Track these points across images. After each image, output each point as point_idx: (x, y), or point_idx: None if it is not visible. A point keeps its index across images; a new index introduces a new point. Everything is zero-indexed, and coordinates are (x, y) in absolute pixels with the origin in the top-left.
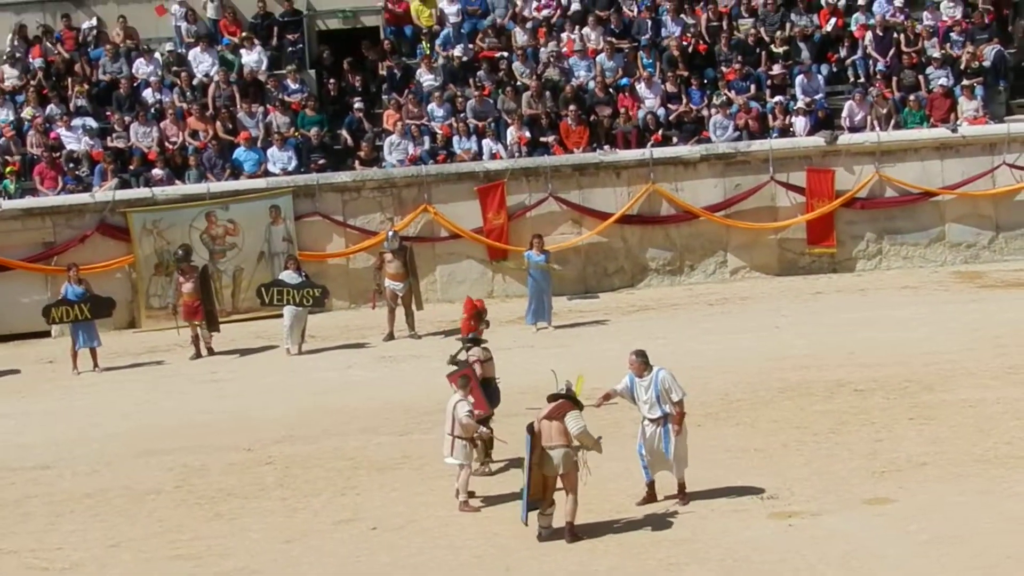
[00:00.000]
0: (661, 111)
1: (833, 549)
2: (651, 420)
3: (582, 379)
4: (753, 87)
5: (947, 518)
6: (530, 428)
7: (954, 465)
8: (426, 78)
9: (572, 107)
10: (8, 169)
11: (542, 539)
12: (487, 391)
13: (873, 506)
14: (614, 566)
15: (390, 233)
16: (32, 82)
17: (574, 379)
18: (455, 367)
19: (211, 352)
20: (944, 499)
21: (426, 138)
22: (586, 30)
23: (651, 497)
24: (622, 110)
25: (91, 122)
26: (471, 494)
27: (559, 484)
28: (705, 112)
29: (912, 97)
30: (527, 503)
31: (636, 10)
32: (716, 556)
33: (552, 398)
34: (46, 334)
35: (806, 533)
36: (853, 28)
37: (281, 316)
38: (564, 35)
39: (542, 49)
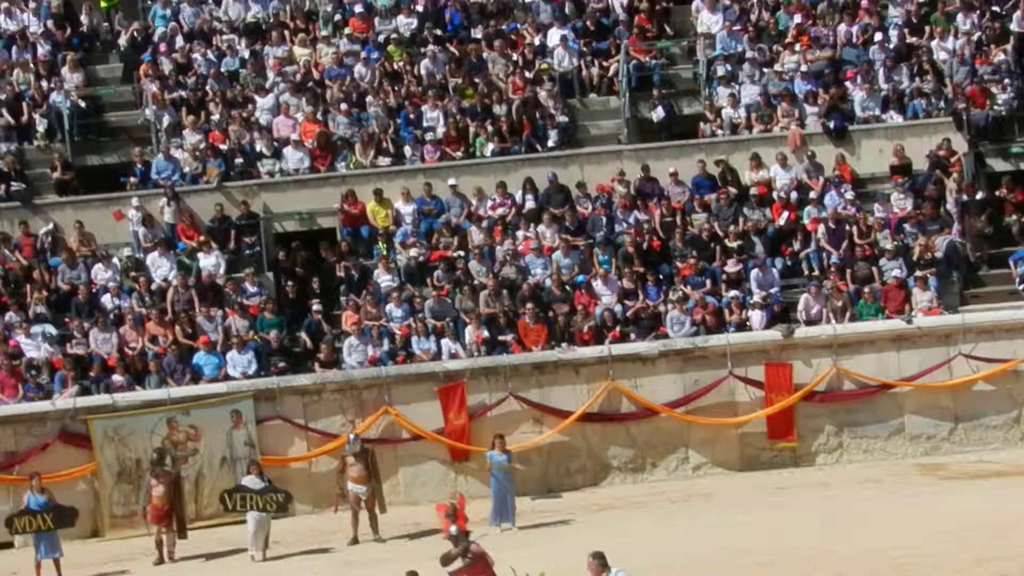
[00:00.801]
0: (618, 307)
1: None
2: None
3: (543, 574)
4: (709, 282)
5: None
6: None
7: None
8: (383, 279)
9: (530, 305)
10: None
11: None
12: None
13: None
14: None
15: (351, 436)
16: None
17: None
18: (462, 561)
19: (172, 559)
20: None
21: (385, 339)
22: (541, 227)
23: None
24: (579, 307)
25: (50, 329)
26: None
27: None
28: (662, 308)
29: (867, 289)
30: None
31: (590, 207)
32: None
33: None
34: (9, 545)
35: None
36: (806, 221)
37: (245, 522)
38: (520, 233)
39: (498, 247)
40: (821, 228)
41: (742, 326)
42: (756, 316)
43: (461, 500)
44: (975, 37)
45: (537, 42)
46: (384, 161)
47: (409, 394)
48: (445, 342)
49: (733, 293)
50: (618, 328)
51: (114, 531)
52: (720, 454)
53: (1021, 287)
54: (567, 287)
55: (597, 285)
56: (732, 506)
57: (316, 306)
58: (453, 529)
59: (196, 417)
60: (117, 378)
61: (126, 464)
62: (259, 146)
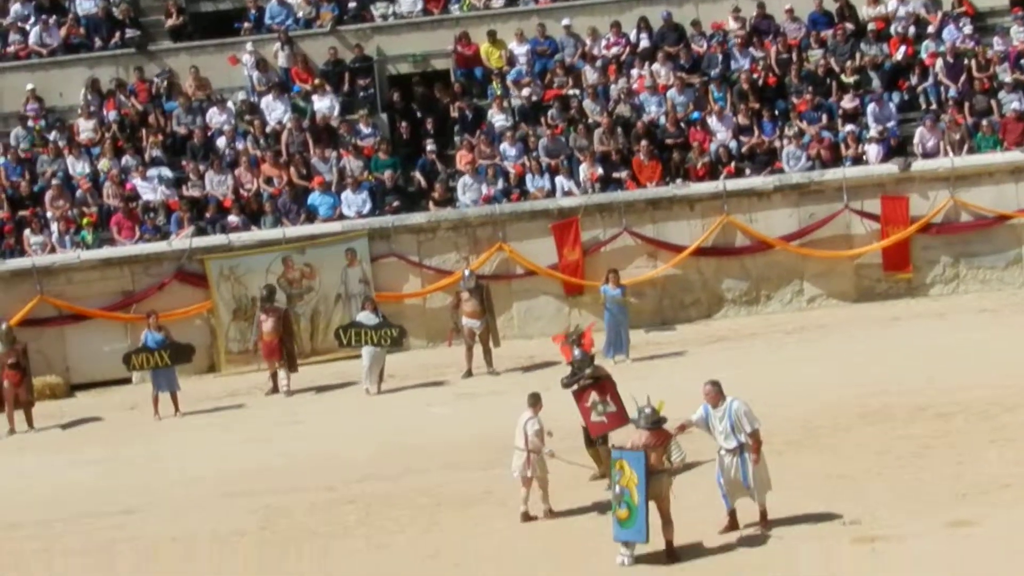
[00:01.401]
0: (733, 143)
1: (917, 572)
2: (727, 450)
3: (663, 403)
4: (825, 117)
5: None
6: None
7: None
8: (497, 118)
9: (644, 142)
10: (85, 220)
11: (625, 565)
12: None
13: (957, 528)
14: None
15: (466, 272)
16: (107, 134)
17: (655, 402)
18: (589, 380)
19: (289, 393)
20: None
21: (499, 178)
22: (656, 66)
23: (733, 525)
24: (694, 144)
25: (166, 172)
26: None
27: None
28: (777, 143)
29: (985, 122)
30: (646, 520)
31: (705, 45)
32: None
33: (639, 425)
34: (127, 381)
35: (890, 557)
36: (923, 55)
37: (359, 357)
38: (634, 71)
39: (612, 86)
40: (939, 62)
41: (858, 160)
42: (872, 150)
43: (589, 327)
44: None
45: None
46: (497, 2)
47: (523, 231)
48: (559, 179)
49: (849, 128)
50: (733, 164)
51: (230, 367)
52: (835, 286)
53: None
54: (681, 124)
55: (712, 121)
56: (847, 336)
57: (430, 146)
58: (577, 352)
59: (311, 256)
60: (233, 219)
61: (242, 302)
62: None
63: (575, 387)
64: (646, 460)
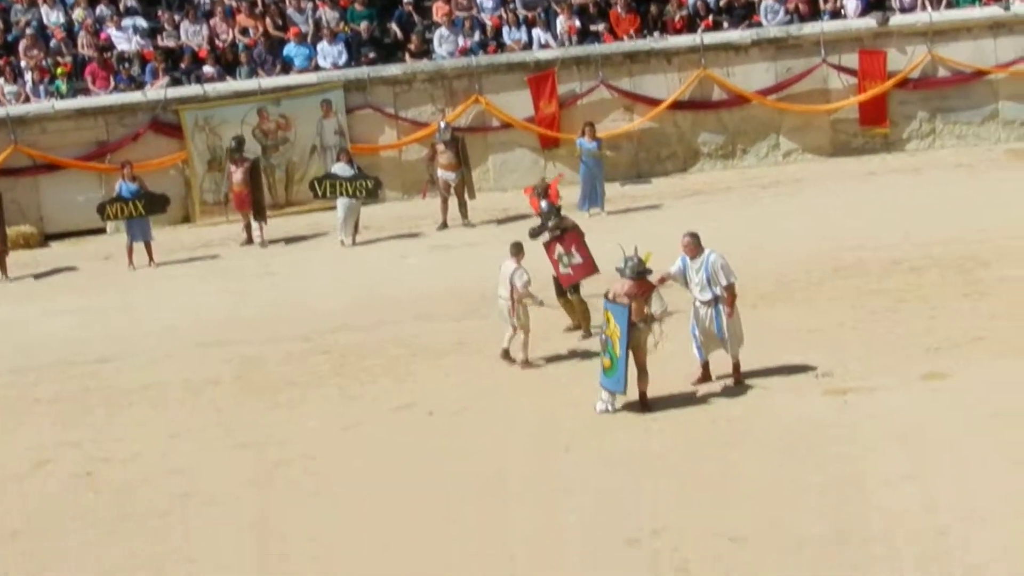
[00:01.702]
0: None
1: (889, 424)
2: (702, 302)
3: (650, 254)
4: None
5: (1002, 392)
6: (607, 297)
7: (1010, 340)
8: None
9: None
10: (60, 70)
11: (608, 411)
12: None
13: (929, 381)
14: (669, 445)
15: (442, 124)
16: None
17: (641, 252)
18: (556, 232)
19: (262, 244)
20: (1000, 373)
21: (476, 30)
22: None
23: (706, 376)
24: None
25: (141, 22)
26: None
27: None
28: None
29: None
30: (625, 373)
31: None
32: (772, 433)
33: (624, 275)
34: (101, 231)
35: (862, 409)
36: None
37: (335, 208)
38: None
39: None
40: None
41: (836, 14)
42: (851, 4)
43: (557, 179)
44: None
45: None
46: None
47: (499, 83)
48: (536, 32)
49: None
50: (711, 17)
51: (204, 217)
52: (811, 140)
53: None
54: None
55: None
56: (822, 191)
57: None
58: (544, 204)
59: (286, 107)
60: (208, 69)
61: (216, 153)
62: None
63: (544, 239)
64: (629, 313)
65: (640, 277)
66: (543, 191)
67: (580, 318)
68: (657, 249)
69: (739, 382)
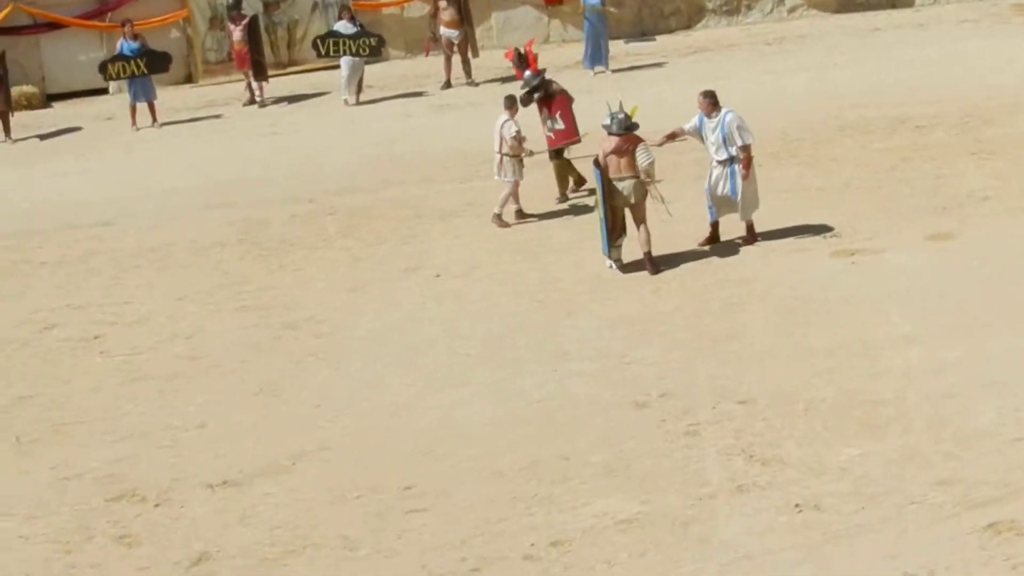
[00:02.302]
0: None
1: (896, 286)
2: (718, 162)
3: (636, 109)
4: None
5: (1010, 252)
6: (596, 163)
7: (1016, 199)
8: None
9: None
10: None
11: (612, 270)
12: None
13: (935, 241)
14: (678, 306)
15: None
16: None
17: (627, 107)
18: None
19: (262, 104)
20: (1006, 233)
21: None
22: None
23: (714, 237)
24: None
25: None
26: (519, 212)
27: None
28: None
29: None
30: (608, 235)
31: None
32: (779, 295)
33: (611, 131)
34: (104, 91)
35: (869, 270)
36: None
37: (338, 67)
38: None
39: None
40: None
41: None
42: None
43: (528, 45)
44: None
45: None
46: None
47: None
48: None
49: None
50: None
51: (207, 77)
52: None
53: None
54: None
55: None
56: (827, 47)
57: None
58: (527, 74)
59: None
60: None
61: (218, 10)
62: None
63: (531, 102)
64: (603, 174)
65: (627, 132)
66: (522, 62)
67: (557, 181)
68: (661, 108)
69: (751, 243)
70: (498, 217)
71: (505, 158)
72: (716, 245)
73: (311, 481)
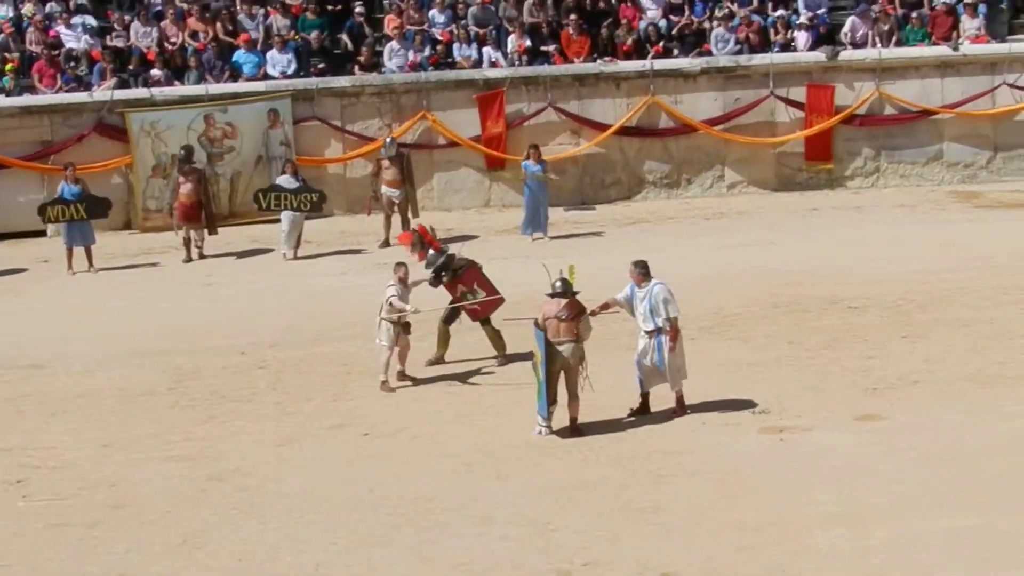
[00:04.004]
0: (663, 22)
1: (824, 464)
2: (645, 332)
3: (574, 268)
4: (756, 0)
5: (938, 436)
6: (536, 324)
7: (946, 384)
8: None
9: (573, 16)
10: (7, 66)
11: (542, 435)
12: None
13: (865, 423)
14: (604, 476)
15: (388, 140)
16: None
17: (565, 270)
18: (452, 274)
19: (202, 256)
20: (936, 417)
21: (426, 45)
22: None
23: (644, 408)
24: (623, 20)
25: (91, 20)
26: (401, 374)
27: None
28: (707, 24)
29: (915, 14)
30: (547, 398)
31: None
32: (706, 468)
33: (552, 295)
34: (42, 233)
35: (797, 448)
36: None
37: (278, 221)
38: None
39: None
40: None
41: (787, 46)
42: (801, 37)
43: (421, 228)
44: None
45: None
46: None
47: (448, 100)
48: (487, 50)
49: (779, 12)
50: (661, 43)
51: (146, 224)
52: (756, 173)
53: None
54: (613, 0)
55: None
56: (765, 225)
57: (359, 8)
58: (431, 254)
59: (233, 114)
60: (156, 72)
61: (161, 159)
62: None
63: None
64: (545, 337)
65: (566, 296)
66: (422, 243)
67: (495, 345)
68: (598, 278)
69: (680, 415)
70: (384, 383)
71: (383, 323)
72: (645, 416)
73: None
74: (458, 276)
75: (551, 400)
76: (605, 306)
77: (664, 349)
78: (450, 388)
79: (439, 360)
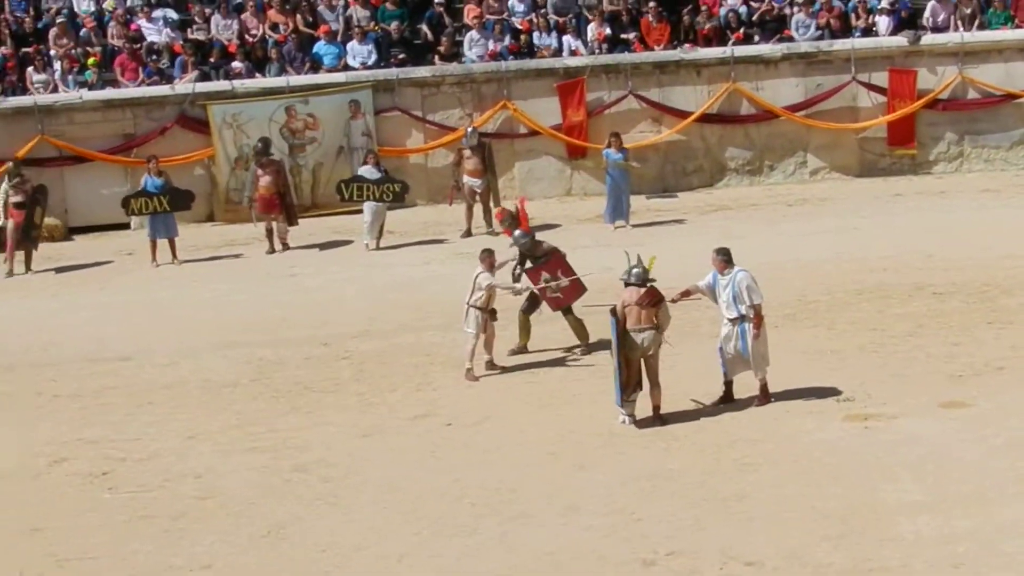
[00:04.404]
0: (743, 9)
1: (908, 452)
2: (728, 320)
3: (653, 259)
4: None
5: (1023, 423)
6: (613, 311)
7: None
8: None
9: (653, 3)
10: (90, 60)
11: (625, 424)
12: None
13: (949, 410)
14: (688, 465)
15: (469, 129)
16: None
17: (645, 259)
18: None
19: (286, 247)
20: (1020, 404)
21: (506, 34)
22: None
23: (728, 396)
24: (704, 7)
25: (172, 14)
26: (489, 363)
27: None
28: (787, 10)
29: None
30: (620, 386)
31: None
32: (790, 457)
33: (629, 282)
34: (126, 226)
35: (882, 436)
36: None
37: (360, 212)
38: None
39: None
40: None
41: (868, 31)
42: (883, 21)
43: (522, 202)
44: None
45: None
46: None
47: (528, 89)
48: (566, 38)
49: None
50: (742, 30)
51: (229, 216)
52: (838, 159)
53: None
54: None
55: None
56: (848, 211)
57: None
58: (517, 233)
59: (315, 106)
60: (237, 64)
61: (243, 150)
62: None
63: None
64: (617, 324)
65: (643, 284)
66: (514, 222)
67: (577, 335)
68: (680, 265)
69: (764, 403)
70: (469, 371)
71: (471, 310)
72: (729, 404)
73: None
74: (545, 262)
75: (628, 391)
76: (686, 293)
77: (748, 336)
78: (533, 377)
79: (522, 350)
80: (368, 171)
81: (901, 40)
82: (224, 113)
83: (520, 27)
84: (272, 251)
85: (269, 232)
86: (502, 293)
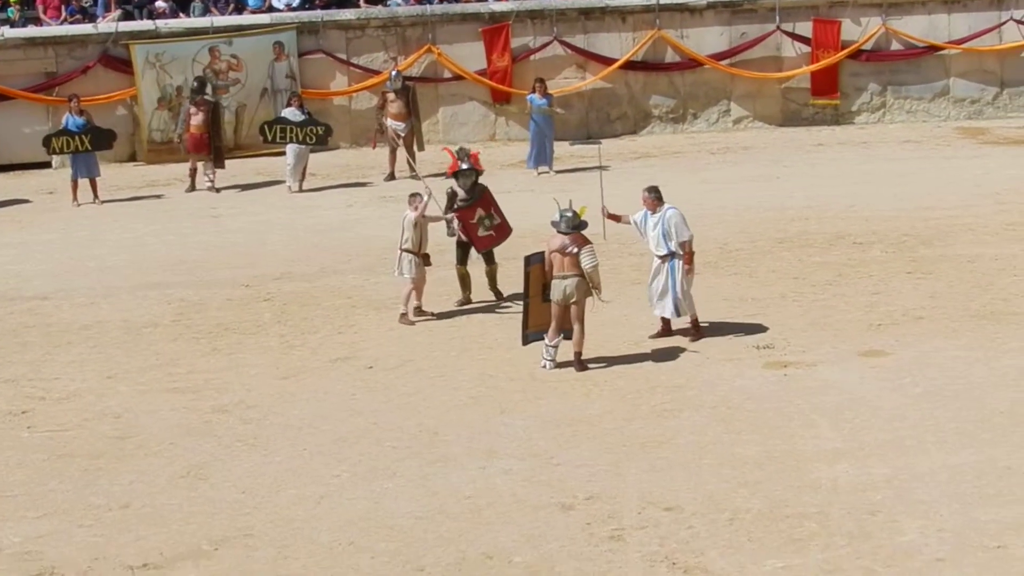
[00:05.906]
0: None
1: (827, 399)
2: (658, 257)
3: (584, 208)
4: None
5: (941, 372)
6: (526, 259)
7: (950, 320)
8: None
9: None
10: None
11: (547, 369)
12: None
13: (868, 358)
14: (607, 410)
15: (393, 73)
16: None
17: (576, 207)
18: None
19: (216, 190)
20: (939, 353)
21: None
22: None
23: (666, 330)
24: None
25: None
26: (418, 310)
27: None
28: None
29: None
30: (528, 325)
31: None
32: (710, 403)
33: (558, 229)
34: (47, 165)
35: (800, 383)
36: None
37: (283, 154)
38: None
39: None
40: None
41: None
42: None
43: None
44: None
45: None
46: None
47: (453, 34)
48: None
49: None
50: None
51: (151, 156)
52: (762, 108)
53: None
54: None
55: None
56: (770, 160)
57: None
58: (465, 165)
59: (238, 47)
60: (161, 4)
61: (166, 91)
62: None
63: (459, 205)
64: (537, 270)
65: (575, 230)
66: (466, 154)
67: (491, 284)
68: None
69: (698, 338)
70: (404, 316)
71: (404, 255)
72: (653, 350)
73: (232, 567)
74: (481, 199)
75: (556, 332)
76: (617, 217)
77: (677, 273)
78: (455, 322)
79: (467, 302)
80: (291, 113)
81: None
82: (147, 53)
83: None
84: (192, 189)
85: (192, 171)
86: (433, 226)
